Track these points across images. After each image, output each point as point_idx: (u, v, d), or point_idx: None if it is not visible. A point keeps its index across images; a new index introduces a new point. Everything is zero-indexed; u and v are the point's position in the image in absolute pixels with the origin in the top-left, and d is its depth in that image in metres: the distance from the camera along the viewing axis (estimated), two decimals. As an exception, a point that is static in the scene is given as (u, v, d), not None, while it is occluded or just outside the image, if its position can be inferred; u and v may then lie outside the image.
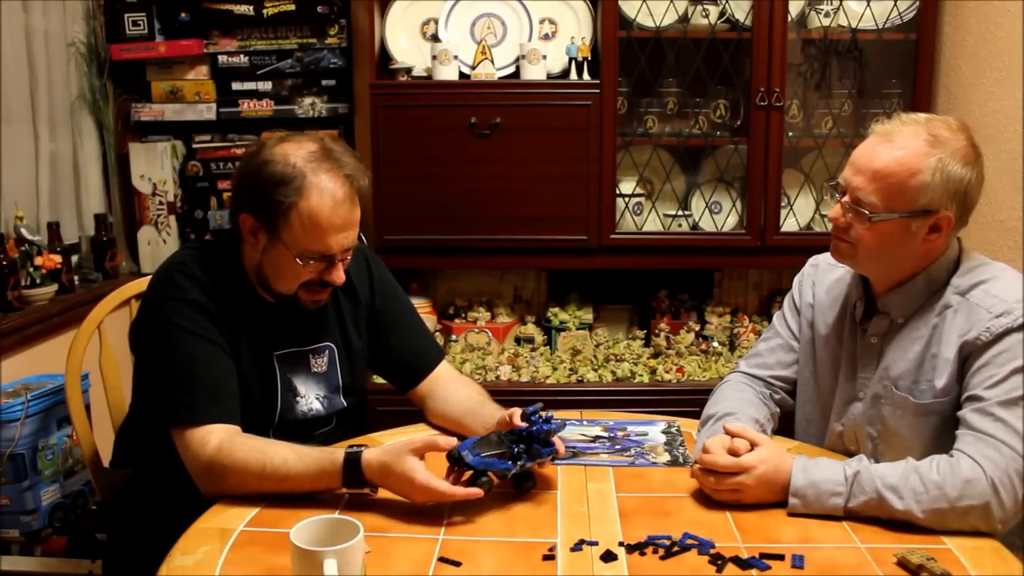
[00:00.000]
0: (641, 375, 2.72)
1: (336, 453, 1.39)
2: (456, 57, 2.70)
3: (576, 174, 2.69)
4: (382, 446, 1.39)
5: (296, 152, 1.51)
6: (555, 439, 1.46)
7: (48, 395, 2.20)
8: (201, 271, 1.56)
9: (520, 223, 2.71)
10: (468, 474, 1.38)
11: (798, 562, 1.22)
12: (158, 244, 3.01)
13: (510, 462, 1.39)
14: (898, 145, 1.43)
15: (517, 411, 1.47)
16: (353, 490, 1.39)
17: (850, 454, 1.54)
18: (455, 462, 1.37)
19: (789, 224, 2.80)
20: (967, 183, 1.43)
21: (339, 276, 1.56)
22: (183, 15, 2.92)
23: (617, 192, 2.76)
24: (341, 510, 1.36)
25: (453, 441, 1.37)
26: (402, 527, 1.32)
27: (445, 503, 1.37)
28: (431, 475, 1.34)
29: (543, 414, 1.45)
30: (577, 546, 1.27)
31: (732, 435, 1.43)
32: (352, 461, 1.37)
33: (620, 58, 2.66)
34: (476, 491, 1.35)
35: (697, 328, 2.93)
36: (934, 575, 1.17)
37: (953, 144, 1.42)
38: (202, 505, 1.40)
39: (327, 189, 1.49)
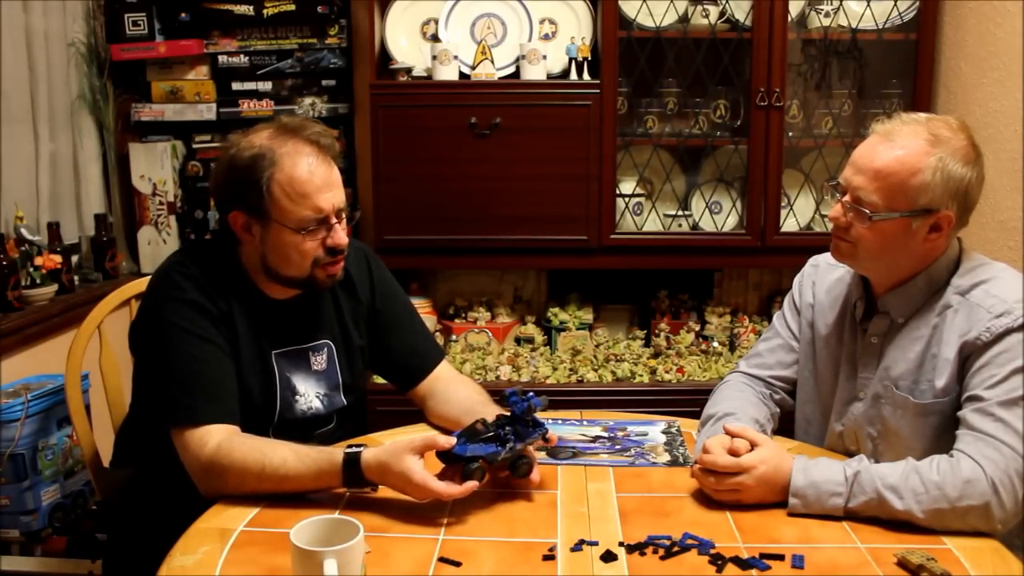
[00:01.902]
0: (641, 375, 2.72)
1: (335, 453, 1.39)
2: (456, 57, 2.70)
3: (576, 174, 2.69)
4: (381, 445, 1.39)
5: (258, 136, 1.55)
6: (550, 436, 1.46)
7: (48, 395, 2.19)
8: (200, 271, 1.56)
9: (520, 223, 2.71)
10: (460, 467, 1.38)
11: (798, 562, 1.22)
12: (158, 244, 3.01)
13: (497, 446, 1.39)
14: (899, 144, 1.43)
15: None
16: (353, 489, 1.39)
17: (850, 454, 1.54)
18: (445, 456, 1.38)
19: (789, 224, 2.80)
20: (968, 182, 1.43)
21: (341, 238, 1.57)
22: (183, 15, 2.91)
23: (617, 192, 2.75)
24: (341, 510, 1.36)
25: (452, 440, 1.37)
26: (402, 527, 1.32)
27: (446, 501, 1.37)
28: (428, 474, 1.34)
29: (522, 394, 1.44)
30: (577, 546, 1.27)
31: (732, 435, 1.43)
32: (351, 461, 1.37)
33: (620, 58, 2.66)
34: (471, 486, 1.35)
35: (697, 328, 2.93)
36: (934, 575, 1.17)
37: (954, 143, 1.42)
38: (202, 505, 1.40)
39: (296, 153, 1.53)
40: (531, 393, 1.44)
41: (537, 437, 1.44)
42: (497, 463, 1.40)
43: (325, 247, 1.56)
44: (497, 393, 1.76)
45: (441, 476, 1.37)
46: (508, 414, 1.44)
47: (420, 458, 1.35)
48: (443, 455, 1.38)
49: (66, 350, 1.83)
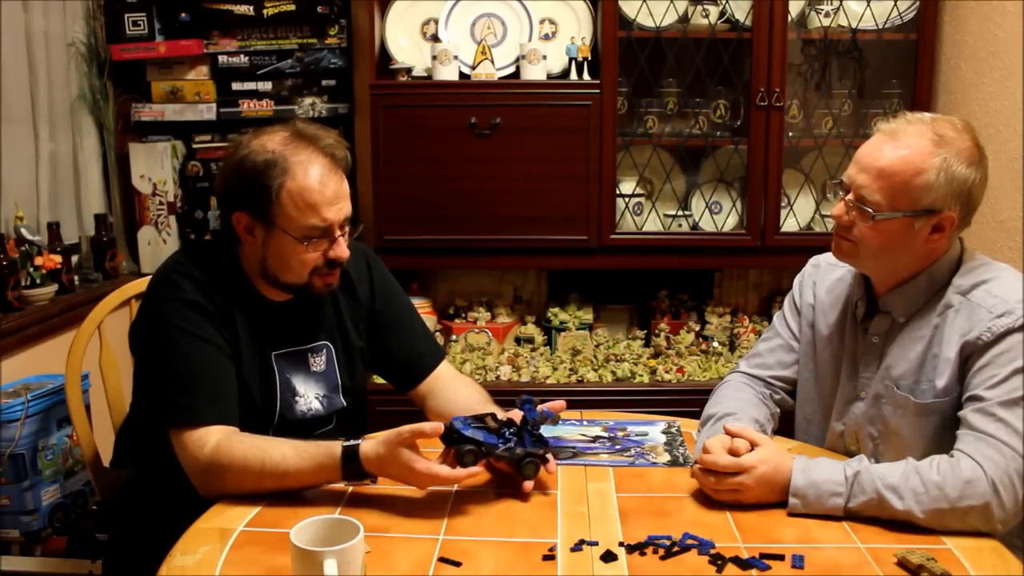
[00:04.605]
0: (641, 375, 2.72)
1: (334, 447, 1.39)
2: (456, 57, 2.70)
3: (576, 174, 2.69)
4: (377, 438, 1.39)
5: (271, 139, 1.54)
6: (550, 458, 1.48)
7: (48, 395, 2.19)
8: (200, 272, 1.56)
9: (520, 223, 2.71)
10: (452, 451, 1.39)
11: (798, 562, 1.22)
12: (158, 244, 3.01)
13: (498, 439, 1.40)
14: (903, 144, 1.43)
15: (517, 412, 1.48)
16: (353, 482, 1.40)
17: (850, 454, 1.53)
18: (446, 433, 1.38)
19: (789, 224, 2.80)
20: (971, 183, 1.43)
21: (343, 251, 1.57)
22: (183, 15, 2.91)
23: (617, 192, 2.75)
24: (341, 510, 1.36)
25: (439, 428, 1.37)
26: (402, 527, 1.32)
27: (448, 497, 1.38)
28: (430, 462, 1.35)
29: (540, 408, 1.47)
30: (577, 546, 1.27)
31: (732, 435, 1.43)
32: (350, 454, 1.37)
33: (620, 58, 2.66)
34: (478, 471, 1.36)
35: (697, 328, 2.93)
36: (934, 575, 1.17)
37: (958, 144, 1.42)
38: (202, 505, 1.40)
39: (310, 163, 1.52)
40: (545, 408, 1.46)
41: (539, 450, 1.45)
42: (492, 455, 1.40)
43: (326, 258, 1.56)
44: (497, 393, 1.76)
45: (440, 462, 1.38)
46: (517, 421, 1.45)
47: (414, 449, 1.36)
48: (447, 430, 1.39)
49: (66, 350, 1.83)
